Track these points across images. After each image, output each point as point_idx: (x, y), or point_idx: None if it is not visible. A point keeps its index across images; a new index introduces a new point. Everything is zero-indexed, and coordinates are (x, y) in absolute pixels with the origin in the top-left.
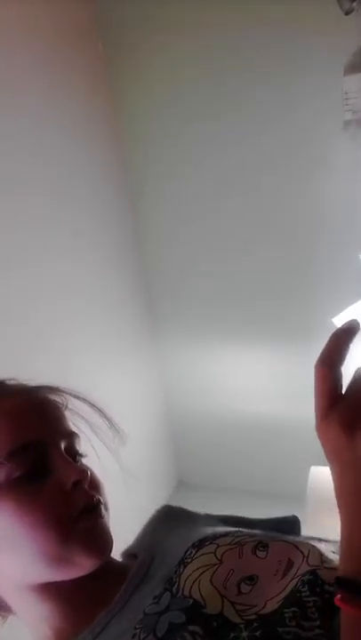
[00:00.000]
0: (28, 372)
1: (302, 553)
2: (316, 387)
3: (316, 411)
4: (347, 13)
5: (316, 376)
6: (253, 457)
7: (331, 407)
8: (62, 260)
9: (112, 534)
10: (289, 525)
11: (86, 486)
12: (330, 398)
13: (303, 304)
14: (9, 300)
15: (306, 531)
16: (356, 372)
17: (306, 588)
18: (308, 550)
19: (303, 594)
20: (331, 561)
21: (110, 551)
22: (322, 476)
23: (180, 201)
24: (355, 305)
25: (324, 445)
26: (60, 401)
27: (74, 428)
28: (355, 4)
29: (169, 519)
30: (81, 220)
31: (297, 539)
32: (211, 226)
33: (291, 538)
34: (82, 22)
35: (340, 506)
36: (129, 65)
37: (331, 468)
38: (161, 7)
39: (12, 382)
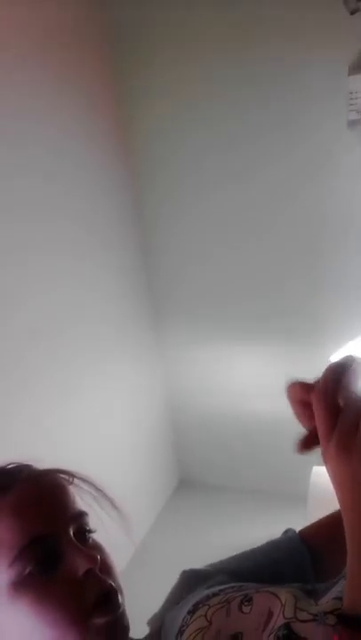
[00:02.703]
0: (30, 370)
1: (280, 602)
2: (316, 415)
3: (320, 437)
4: (352, 13)
5: (314, 405)
6: (255, 456)
7: (331, 432)
8: (63, 255)
9: (128, 619)
10: (287, 544)
11: (98, 571)
12: (330, 424)
13: (306, 303)
14: (9, 292)
15: None
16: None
17: None
18: (286, 599)
19: None
20: (307, 607)
21: (127, 638)
22: (324, 476)
23: (184, 199)
24: (352, 342)
25: (326, 468)
26: (64, 479)
27: (81, 506)
28: (360, 3)
29: (187, 583)
30: (83, 217)
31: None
32: (214, 225)
33: (274, 587)
34: (88, 30)
35: (345, 526)
36: (136, 71)
37: (335, 491)
38: (167, 12)
39: (12, 467)
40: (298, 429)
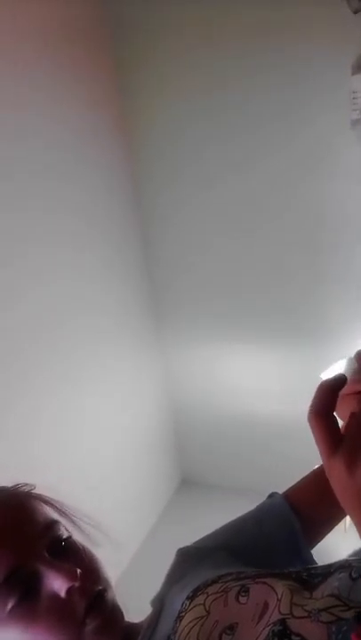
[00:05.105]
0: (30, 362)
1: (277, 595)
2: (314, 435)
3: (321, 456)
4: (355, 12)
5: (311, 425)
6: (256, 456)
7: (333, 450)
8: (63, 247)
9: (120, 608)
10: (274, 510)
11: (79, 585)
12: (330, 443)
13: (307, 304)
14: (9, 285)
15: None
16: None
17: None
18: (282, 593)
19: None
20: (302, 602)
21: (122, 628)
22: None
23: (184, 190)
24: (340, 362)
25: (332, 485)
26: (26, 493)
27: (49, 516)
28: None
29: (185, 561)
30: (83, 209)
31: (276, 575)
32: (215, 225)
33: (271, 576)
34: (89, 25)
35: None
36: (138, 68)
37: (343, 504)
38: (169, 11)
39: None
40: (299, 430)
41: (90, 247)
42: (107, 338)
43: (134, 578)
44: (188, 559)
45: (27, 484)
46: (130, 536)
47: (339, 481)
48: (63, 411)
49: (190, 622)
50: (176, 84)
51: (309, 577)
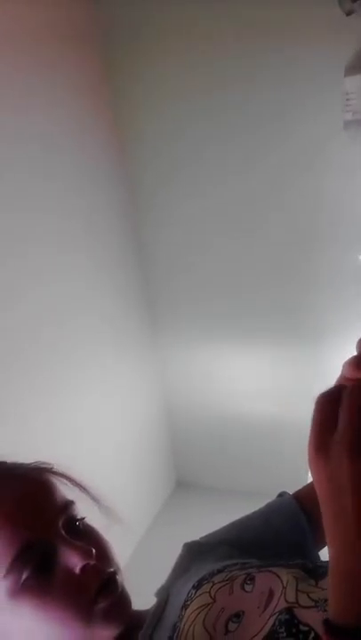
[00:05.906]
0: (30, 362)
1: (282, 583)
2: (313, 416)
3: (311, 439)
4: (348, 14)
5: (315, 406)
6: (252, 457)
7: (328, 436)
8: (62, 248)
9: (129, 596)
10: (283, 511)
11: (94, 563)
12: (327, 427)
13: (303, 305)
14: (9, 285)
15: None
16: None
17: (283, 629)
18: (287, 580)
19: (280, 635)
20: (308, 589)
21: (130, 614)
22: None
23: (183, 191)
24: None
25: (318, 472)
26: (44, 470)
27: (66, 496)
28: (355, 4)
29: (190, 555)
30: (80, 210)
31: (279, 565)
32: (211, 226)
33: (276, 565)
34: (82, 27)
35: (331, 537)
36: (135, 70)
37: (323, 497)
38: (161, 11)
39: None
40: (295, 431)
41: (87, 248)
42: (105, 338)
43: (130, 578)
44: (194, 553)
45: (45, 462)
46: (125, 537)
47: (332, 468)
48: (62, 411)
49: (196, 610)
50: (167, 86)
51: (315, 567)
